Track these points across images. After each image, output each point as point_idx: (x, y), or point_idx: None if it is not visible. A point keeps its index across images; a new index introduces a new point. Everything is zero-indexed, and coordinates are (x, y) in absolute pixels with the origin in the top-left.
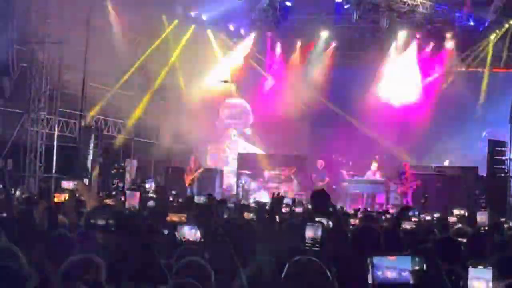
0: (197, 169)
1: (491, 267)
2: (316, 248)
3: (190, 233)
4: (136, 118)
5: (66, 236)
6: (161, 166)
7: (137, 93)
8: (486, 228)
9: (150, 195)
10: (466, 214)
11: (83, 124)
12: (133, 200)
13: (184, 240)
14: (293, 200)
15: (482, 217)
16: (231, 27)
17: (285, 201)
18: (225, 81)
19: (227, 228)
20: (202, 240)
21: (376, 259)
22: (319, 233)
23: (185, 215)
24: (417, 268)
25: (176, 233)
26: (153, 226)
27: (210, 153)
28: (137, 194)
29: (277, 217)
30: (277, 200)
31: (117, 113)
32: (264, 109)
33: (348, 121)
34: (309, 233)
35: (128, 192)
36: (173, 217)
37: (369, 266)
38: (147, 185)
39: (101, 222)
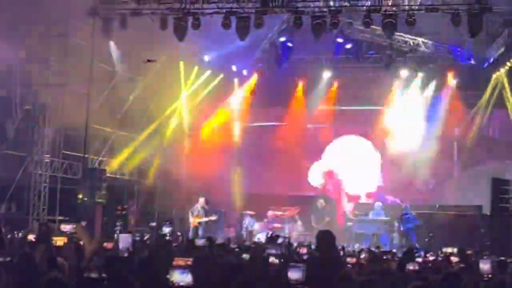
0: (205, 212)
1: None
2: None
3: (182, 277)
4: (140, 159)
5: (59, 279)
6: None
7: (140, 134)
8: (490, 276)
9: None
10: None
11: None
12: (125, 243)
13: (176, 285)
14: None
15: (485, 266)
16: (234, 68)
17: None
18: (150, 61)
19: (226, 272)
20: (193, 284)
21: None
22: (303, 275)
23: (191, 259)
24: None
25: (168, 277)
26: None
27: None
28: (129, 236)
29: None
30: (271, 239)
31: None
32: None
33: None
34: (293, 275)
35: (121, 235)
36: (179, 261)
37: None
38: (165, 229)
39: (94, 275)
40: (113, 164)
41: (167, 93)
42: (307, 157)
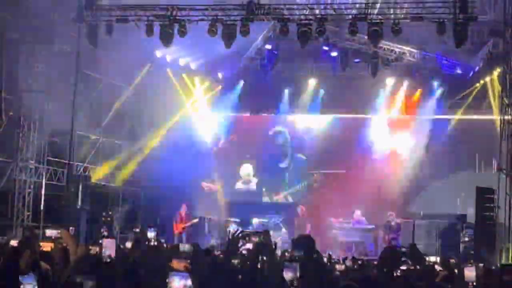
0: (188, 218)
1: None
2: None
3: (180, 283)
4: (127, 170)
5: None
6: (150, 214)
7: (125, 141)
8: (474, 283)
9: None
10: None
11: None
12: (109, 249)
13: None
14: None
15: (470, 273)
16: (220, 75)
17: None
18: None
19: (213, 276)
20: None
21: None
22: (297, 273)
23: (189, 262)
24: None
25: (167, 282)
26: None
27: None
28: (113, 241)
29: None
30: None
31: (105, 160)
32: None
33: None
34: (288, 274)
35: (106, 240)
36: (175, 264)
37: None
38: (149, 234)
39: (80, 280)
40: (100, 172)
41: (154, 100)
42: None
